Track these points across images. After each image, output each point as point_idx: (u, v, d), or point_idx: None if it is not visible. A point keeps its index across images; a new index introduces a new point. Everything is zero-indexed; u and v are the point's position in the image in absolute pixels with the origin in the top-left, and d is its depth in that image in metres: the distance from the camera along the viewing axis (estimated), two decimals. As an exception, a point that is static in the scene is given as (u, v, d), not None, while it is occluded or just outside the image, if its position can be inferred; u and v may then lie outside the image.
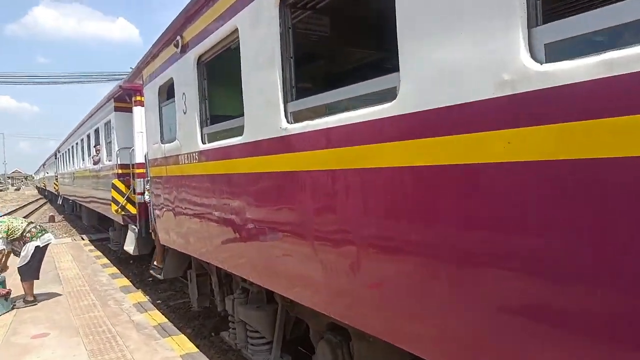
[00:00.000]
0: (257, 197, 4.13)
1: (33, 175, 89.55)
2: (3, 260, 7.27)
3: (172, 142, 6.16)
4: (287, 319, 4.89)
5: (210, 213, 5.12)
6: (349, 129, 2.87)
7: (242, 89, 4.22)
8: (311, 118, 3.31)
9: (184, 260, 7.19)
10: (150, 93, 7.10)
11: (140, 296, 7.75)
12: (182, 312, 8.26)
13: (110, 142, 11.34)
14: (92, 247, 13.34)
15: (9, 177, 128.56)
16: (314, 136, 3.21)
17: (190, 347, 5.32)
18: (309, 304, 3.66)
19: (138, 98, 9.35)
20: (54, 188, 31.79)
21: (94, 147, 13.32)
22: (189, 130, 5.54)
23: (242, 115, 4.29)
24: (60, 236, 18.34)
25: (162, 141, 6.70)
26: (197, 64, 5.26)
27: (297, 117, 3.55)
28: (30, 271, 7.37)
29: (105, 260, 11.09)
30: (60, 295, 7.95)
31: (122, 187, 10.18)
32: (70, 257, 11.65)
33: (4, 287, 7.33)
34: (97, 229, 18.19)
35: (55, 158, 28.91)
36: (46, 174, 42.00)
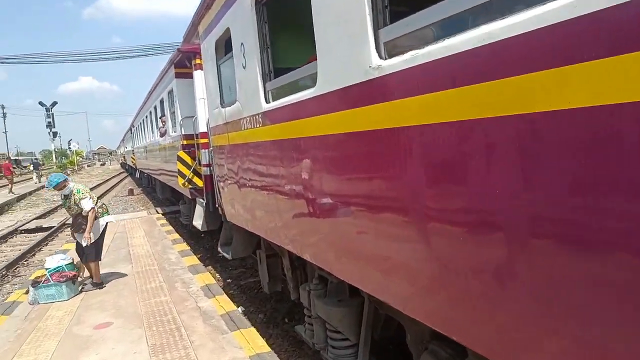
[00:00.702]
0: (337, 166, 3.11)
1: (116, 150, 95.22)
2: (93, 219, 6.88)
3: (233, 104, 5.28)
4: (375, 317, 3.92)
5: (278, 187, 4.21)
6: (496, 51, 1.72)
7: (312, 23, 3.15)
8: (417, 46, 2.20)
9: (253, 237, 6.42)
10: (207, 50, 6.23)
11: (208, 277, 7.14)
12: (254, 293, 7.58)
13: (174, 112, 10.79)
14: (165, 221, 13.18)
15: (95, 153, 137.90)
16: (428, 71, 2.09)
17: (261, 345, 4.52)
18: (414, 313, 2.63)
19: (198, 61, 8.55)
20: (132, 162, 32.93)
21: (160, 118, 12.94)
22: (250, 87, 4.60)
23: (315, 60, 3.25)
24: (138, 209, 18.66)
25: (222, 105, 5.84)
26: (256, 4, 4.26)
27: (393, 49, 2.44)
28: (97, 249, 7.00)
29: (176, 236, 10.74)
30: (128, 275, 7.56)
31: (187, 159, 9.60)
32: (142, 232, 11.47)
33: (73, 269, 6.99)
34: (171, 201, 18.27)
35: (131, 133, 29.71)
36: (125, 149, 43.89)
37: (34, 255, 11.74)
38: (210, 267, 9.26)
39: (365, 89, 2.58)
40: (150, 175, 20.68)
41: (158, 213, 15.23)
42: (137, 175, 30.49)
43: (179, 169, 9.65)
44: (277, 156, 4.18)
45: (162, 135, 12.83)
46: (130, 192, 26.00)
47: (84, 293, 6.79)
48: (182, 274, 7.39)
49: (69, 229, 7.23)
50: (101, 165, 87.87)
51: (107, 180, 38.53)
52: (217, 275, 8.65)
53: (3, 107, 68.76)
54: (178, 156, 9.64)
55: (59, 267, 6.85)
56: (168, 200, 18.93)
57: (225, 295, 6.19)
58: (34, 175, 37.85)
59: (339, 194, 3.12)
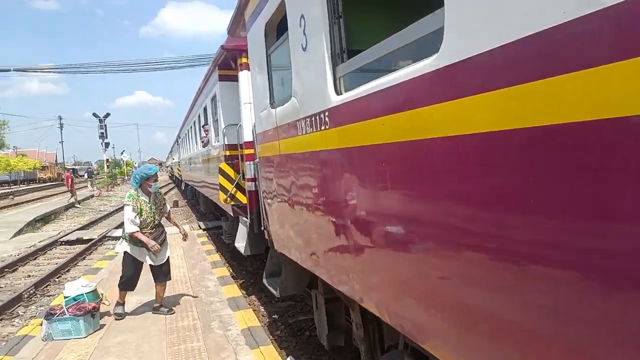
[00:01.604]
0: (488, 189, 1.75)
1: (165, 161, 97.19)
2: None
3: (287, 102, 4.03)
4: None
5: (350, 216, 2.89)
6: None
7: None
8: None
9: (307, 271, 5.13)
10: (255, 38, 5.04)
11: (251, 316, 5.88)
12: (305, 336, 6.23)
13: (217, 120, 9.75)
14: (205, 239, 12.15)
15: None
16: None
17: None
18: None
19: (244, 60, 7.44)
20: (177, 173, 32.65)
21: (202, 127, 11.98)
22: (313, 76, 3.34)
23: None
24: (181, 222, 17.84)
25: (272, 105, 4.62)
26: (324, -44, 3.00)
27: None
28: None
29: (217, 257, 9.62)
30: (159, 307, 6.42)
31: (230, 172, 8.48)
32: (181, 251, 10.43)
33: (95, 299, 5.89)
34: (215, 215, 17.32)
35: (177, 144, 29.38)
36: (172, 160, 44.09)
37: (68, 271, 10.94)
38: (253, 297, 8.03)
39: (569, 38, 1.22)
40: (194, 187, 19.93)
41: (200, 228, 14.27)
42: (183, 186, 30.09)
43: (220, 183, 8.55)
44: (354, 170, 2.86)
45: (204, 145, 11.86)
46: (175, 203, 25.46)
47: (106, 327, 5.69)
48: (220, 309, 6.18)
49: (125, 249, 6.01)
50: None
51: (154, 191, 38.54)
52: (262, 309, 7.38)
53: (60, 119, 71.62)
54: (220, 168, 8.54)
55: (79, 296, 5.80)
56: (211, 214, 18.01)
57: (271, 346, 4.90)
58: (89, 184, 39.97)
59: (481, 233, 1.76)
